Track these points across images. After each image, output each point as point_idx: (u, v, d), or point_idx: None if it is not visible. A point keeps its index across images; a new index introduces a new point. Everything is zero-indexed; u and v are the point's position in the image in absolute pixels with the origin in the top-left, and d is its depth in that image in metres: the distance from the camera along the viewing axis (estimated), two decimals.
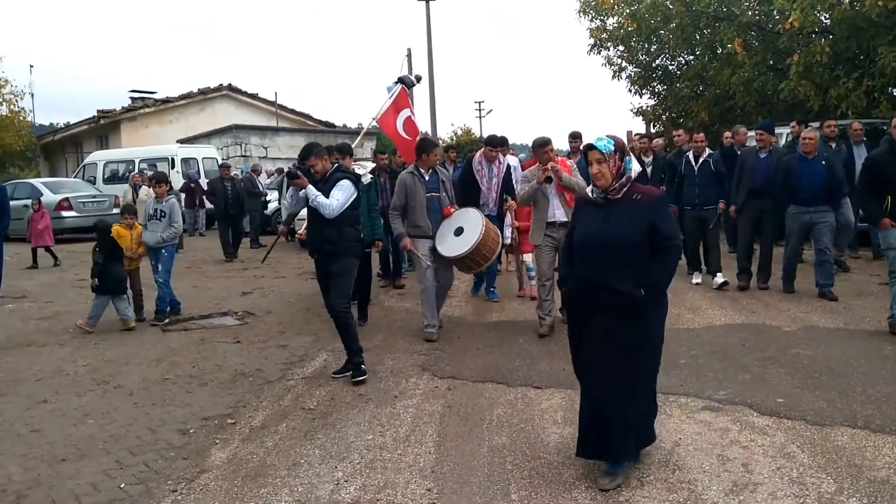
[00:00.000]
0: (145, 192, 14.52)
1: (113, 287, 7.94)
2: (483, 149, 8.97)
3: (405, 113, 8.74)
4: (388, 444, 4.48)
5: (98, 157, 22.76)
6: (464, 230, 6.89)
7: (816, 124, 10.00)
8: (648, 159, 10.65)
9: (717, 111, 18.53)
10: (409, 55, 27.54)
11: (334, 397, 5.43)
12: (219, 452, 4.51)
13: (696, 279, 9.19)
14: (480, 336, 7.09)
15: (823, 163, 8.01)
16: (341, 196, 5.74)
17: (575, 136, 9.79)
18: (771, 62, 16.39)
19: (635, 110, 22.88)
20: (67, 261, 13.60)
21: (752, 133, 10.03)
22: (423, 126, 32.97)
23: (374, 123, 8.93)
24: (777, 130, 10.98)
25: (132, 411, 5.32)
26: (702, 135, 9.35)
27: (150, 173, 16.92)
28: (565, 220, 6.56)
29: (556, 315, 7.01)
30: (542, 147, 6.87)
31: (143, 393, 5.74)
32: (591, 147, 3.81)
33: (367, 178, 7.29)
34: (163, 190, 8.47)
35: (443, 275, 7.12)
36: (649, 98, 22.47)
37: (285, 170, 7.47)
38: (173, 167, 20.61)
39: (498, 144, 9.04)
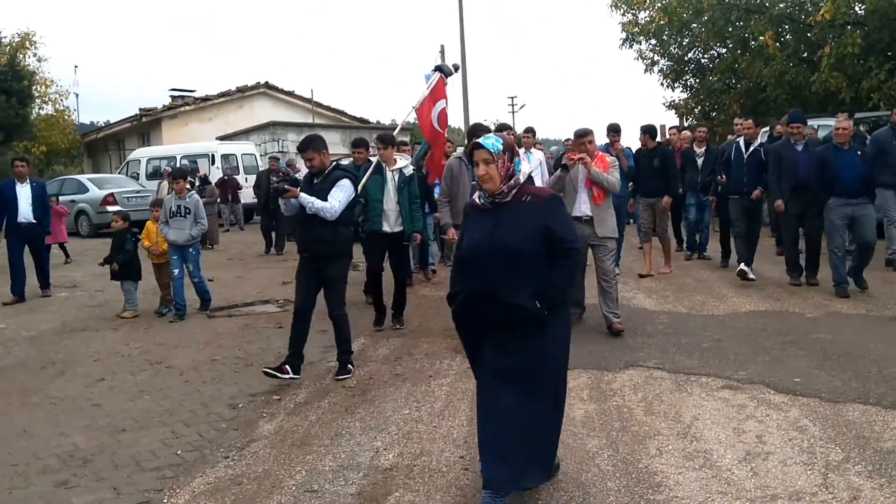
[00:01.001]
0: None
1: (134, 274, 8.49)
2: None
3: (441, 104, 8.36)
4: (424, 418, 4.80)
5: (141, 153, 23.45)
6: None
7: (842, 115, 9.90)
8: (701, 150, 10.55)
9: (749, 104, 18.58)
10: (441, 51, 27.91)
11: (372, 377, 5.76)
12: (266, 425, 4.87)
13: (752, 274, 8.63)
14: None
15: (859, 153, 7.86)
16: (342, 195, 5.58)
17: (614, 130, 9.72)
18: (804, 54, 16.40)
19: (668, 104, 23.06)
20: (88, 256, 14.10)
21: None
22: (457, 121, 33.23)
23: (413, 113, 8.29)
24: (811, 122, 11.00)
25: (184, 388, 5.72)
26: (751, 121, 9.19)
27: (168, 169, 17.51)
28: (589, 214, 6.56)
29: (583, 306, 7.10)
30: (580, 138, 6.74)
31: (193, 373, 6.13)
32: (477, 146, 3.48)
33: (409, 170, 7.26)
34: (181, 186, 8.38)
35: None
36: (682, 91, 22.66)
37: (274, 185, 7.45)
38: (213, 163, 21.19)
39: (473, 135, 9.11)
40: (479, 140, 3.47)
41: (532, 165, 9.57)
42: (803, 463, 3.84)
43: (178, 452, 4.45)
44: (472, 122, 11.93)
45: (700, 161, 10.41)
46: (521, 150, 9.93)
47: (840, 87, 13.97)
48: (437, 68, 8.42)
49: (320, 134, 6.62)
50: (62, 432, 4.85)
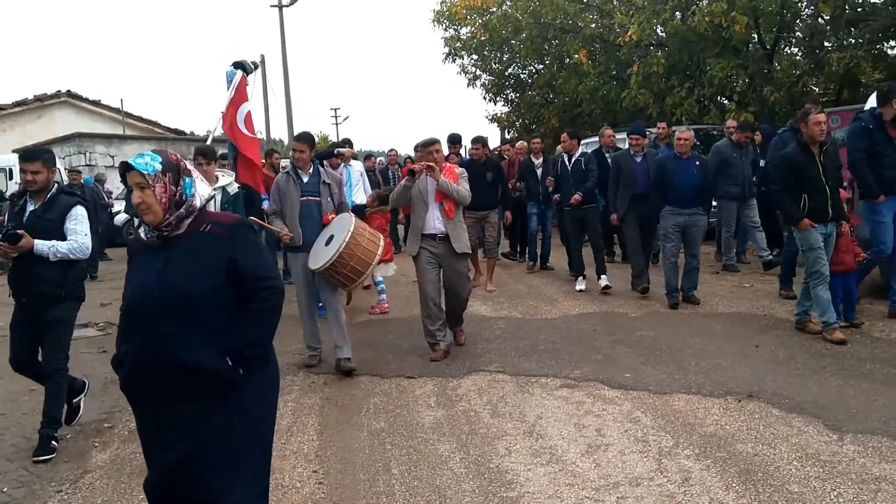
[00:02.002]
0: None
1: None
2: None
3: (246, 107, 7.60)
4: None
5: None
6: (333, 238, 5.80)
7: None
8: (539, 160, 10.41)
9: (566, 117, 19.64)
10: (262, 61, 27.30)
11: None
12: (100, 454, 4.57)
13: (581, 286, 8.81)
14: (351, 334, 7.32)
15: (697, 163, 7.80)
16: (84, 227, 4.74)
17: (454, 141, 9.48)
18: (614, 72, 17.58)
19: (490, 117, 23.88)
20: None
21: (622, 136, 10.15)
22: (280, 133, 32.58)
23: (221, 117, 7.48)
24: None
25: (2, 422, 5.23)
26: (565, 134, 9.38)
27: None
28: (444, 231, 6.10)
29: (449, 338, 6.46)
30: (427, 146, 6.22)
31: (10, 404, 5.62)
32: (127, 167, 2.70)
33: (233, 188, 6.34)
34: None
35: (327, 294, 6.09)
36: (503, 105, 23.54)
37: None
38: (11, 178, 19.45)
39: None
40: (130, 160, 2.70)
41: (354, 178, 9.59)
42: (639, 451, 4.11)
43: (5, 489, 4.08)
44: (297, 132, 11.12)
45: (539, 171, 10.34)
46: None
47: (647, 102, 15.08)
48: (238, 65, 7.63)
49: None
50: None
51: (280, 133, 30.64)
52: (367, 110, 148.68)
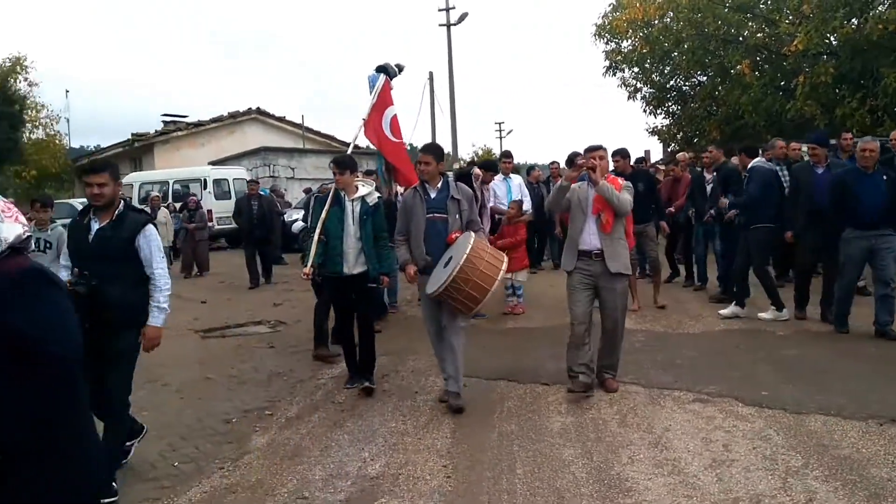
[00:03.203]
0: (164, 214, 15.19)
1: None
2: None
3: (391, 111, 7.16)
4: (409, 431, 5.04)
5: (134, 178, 23.65)
6: (452, 259, 5.28)
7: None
8: (710, 175, 9.75)
9: (728, 130, 19.04)
10: (430, 78, 28.33)
11: (361, 392, 5.99)
12: (259, 438, 5.10)
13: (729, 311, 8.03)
14: (494, 341, 7.62)
15: (885, 178, 6.91)
16: (160, 253, 4.34)
17: (623, 155, 8.82)
18: (780, 82, 16.89)
19: (650, 130, 23.52)
20: None
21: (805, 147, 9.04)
22: (444, 147, 33.70)
23: (362, 124, 6.98)
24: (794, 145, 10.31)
25: (179, 405, 5.93)
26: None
27: (155, 195, 17.41)
28: (600, 248, 5.49)
29: (592, 372, 5.70)
30: (591, 151, 5.62)
31: (188, 390, 6.34)
32: None
33: (373, 198, 6.07)
34: (46, 216, 6.83)
35: (447, 319, 5.50)
36: (664, 118, 23.13)
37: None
38: (205, 188, 21.45)
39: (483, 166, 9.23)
40: None
41: (514, 192, 9.75)
42: (765, 469, 4.11)
43: (175, 464, 4.67)
44: (460, 147, 11.70)
45: (709, 188, 9.65)
46: (499, 176, 9.89)
47: (815, 114, 14.41)
48: (381, 69, 7.19)
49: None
50: None
51: (445, 146, 31.44)
52: (530, 124, 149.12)
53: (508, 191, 9.86)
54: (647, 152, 19.43)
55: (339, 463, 4.53)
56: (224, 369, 6.99)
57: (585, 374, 5.53)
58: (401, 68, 7.38)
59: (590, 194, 5.56)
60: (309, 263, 6.02)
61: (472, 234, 5.44)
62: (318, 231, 6.00)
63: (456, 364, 5.44)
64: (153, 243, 4.27)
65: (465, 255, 5.07)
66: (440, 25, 29.13)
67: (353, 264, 5.94)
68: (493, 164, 9.76)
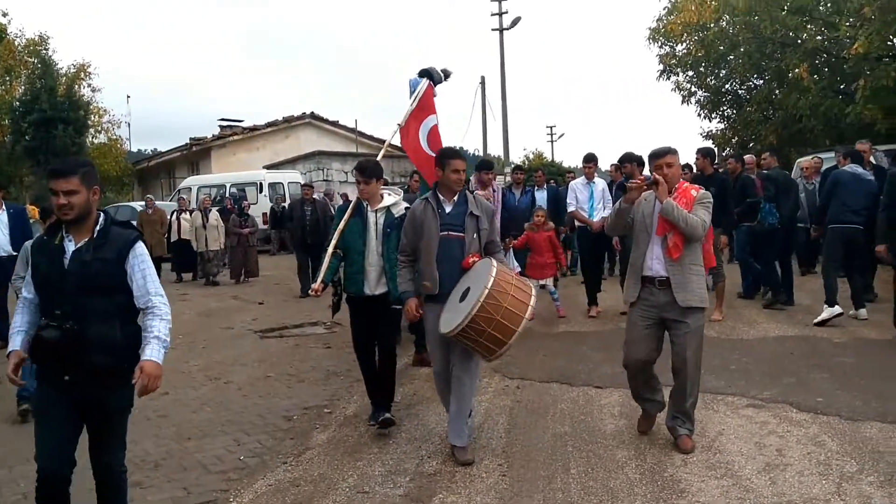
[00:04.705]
0: (215, 217, 14.71)
1: None
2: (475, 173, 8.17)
3: (431, 120, 6.59)
4: None
5: (192, 181, 24.32)
6: (470, 291, 4.41)
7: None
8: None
9: (785, 134, 18.81)
10: (482, 83, 28.50)
11: (416, 392, 6.15)
12: (320, 434, 5.29)
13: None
14: (547, 344, 7.70)
15: None
16: (155, 276, 3.40)
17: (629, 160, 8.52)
18: (840, 86, 16.62)
19: (705, 134, 23.33)
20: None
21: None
22: (496, 151, 33.69)
23: (397, 129, 6.46)
24: (823, 155, 11.01)
25: (242, 401, 6.16)
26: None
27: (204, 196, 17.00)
28: (664, 275, 4.56)
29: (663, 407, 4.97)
30: (657, 158, 4.66)
31: (249, 387, 6.58)
32: None
33: (399, 209, 5.28)
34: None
35: (459, 359, 4.66)
36: (719, 122, 22.94)
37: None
38: (261, 191, 21.96)
39: (483, 168, 8.65)
40: None
41: (597, 196, 9.08)
42: (819, 473, 4.13)
43: (241, 458, 4.88)
44: (511, 151, 11.48)
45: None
46: (582, 179, 9.31)
47: (876, 118, 14.15)
48: (425, 73, 6.62)
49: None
50: (133, 440, 5.21)
51: (496, 150, 31.52)
52: (582, 127, 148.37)
53: (591, 196, 9.17)
54: (713, 151, 19.27)
55: (397, 460, 4.69)
56: (283, 368, 7.22)
57: (657, 403, 4.88)
58: (447, 74, 6.82)
59: (655, 210, 4.60)
60: (319, 279, 5.34)
61: (493, 260, 4.53)
62: (332, 243, 5.32)
63: (463, 410, 4.62)
64: (146, 265, 3.36)
65: (487, 288, 4.19)
66: (493, 30, 29.25)
67: (375, 284, 5.20)
68: (490, 164, 9.17)
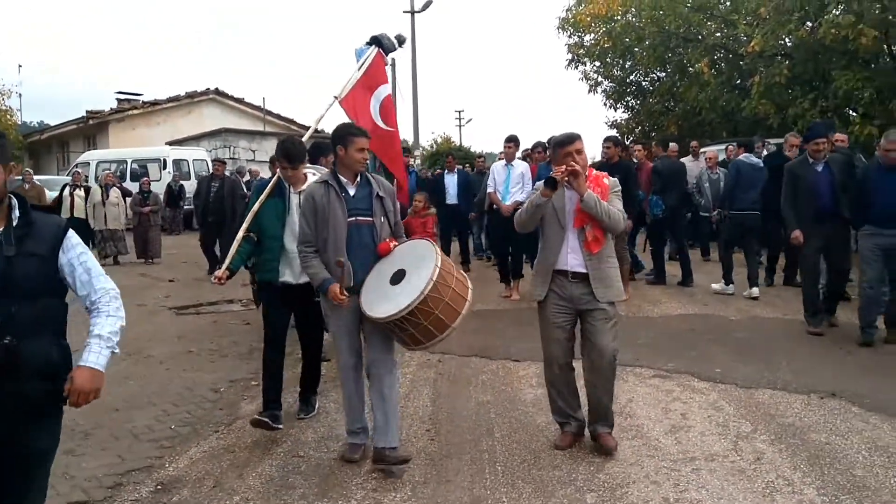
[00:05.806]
0: (116, 194, 13.99)
1: None
2: None
3: (383, 90, 5.95)
4: None
5: (91, 156, 23.46)
6: (406, 274, 4.04)
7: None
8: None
9: (686, 126, 19.71)
10: (392, 65, 28.44)
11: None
12: (248, 405, 5.39)
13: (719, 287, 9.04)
14: (466, 323, 7.91)
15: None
16: (97, 265, 2.75)
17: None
18: (737, 81, 17.54)
19: (610, 123, 24.16)
20: None
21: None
22: (406, 134, 33.81)
23: (337, 105, 5.50)
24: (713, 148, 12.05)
25: (166, 375, 6.18)
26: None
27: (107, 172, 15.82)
28: (582, 271, 4.23)
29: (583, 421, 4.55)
30: (564, 146, 4.25)
31: (171, 362, 6.58)
32: None
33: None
34: None
35: (378, 352, 4.21)
36: (623, 112, 23.76)
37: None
38: (165, 168, 21.40)
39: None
40: None
41: (513, 180, 8.90)
42: (718, 434, 4.55)
43: (172, 427, 4.95)
44: (421, 136, 11.09)
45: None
46: (501, 162, 9.27)
47: (768, 113, 15.04)
48: (374, 40, 5.96)
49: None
50: None
51: (406, 133, 31.54)
52: (490, 113, 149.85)
53: (507, 179, 9.00)
54: (619, 139, 20.01)
55: (328, 427, 4.86)
56: (204, 344, 7.23)
57: (577, 422, 4.48)
58: (401, 41, 6.21)
59: (567, 201, 4.28)
60: (225, 266, 4.83)
61: (431, 244, 4.23)
62: (244, 226, 4.81)
63: (386, 410, 4.16)
64: (87, 256, 2.69)
65: (436, 269, 3.90)
66: (404, 12, 29.26)
67: (299, 273, 4.62)
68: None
